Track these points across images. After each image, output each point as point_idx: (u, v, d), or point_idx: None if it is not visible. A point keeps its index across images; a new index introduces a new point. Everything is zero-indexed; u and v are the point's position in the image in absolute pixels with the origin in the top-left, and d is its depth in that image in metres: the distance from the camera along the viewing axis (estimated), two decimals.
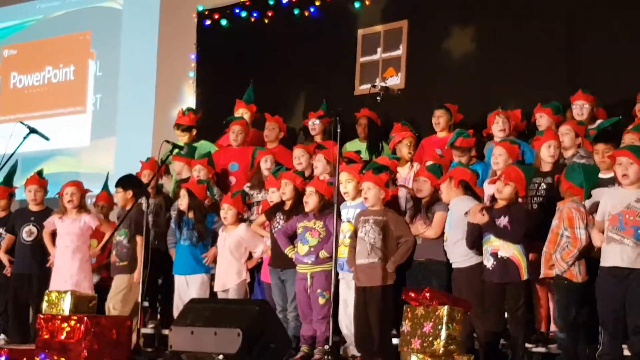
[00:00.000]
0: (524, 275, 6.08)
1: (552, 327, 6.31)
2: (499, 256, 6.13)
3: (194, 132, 9.26)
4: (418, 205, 6.83)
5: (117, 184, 8.13)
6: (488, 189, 6.72)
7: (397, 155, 7.71)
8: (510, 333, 6.17)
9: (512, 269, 6.09)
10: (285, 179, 7.33)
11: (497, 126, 7.48)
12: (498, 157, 6.81)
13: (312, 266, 6.92)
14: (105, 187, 8.85)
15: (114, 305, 7.73)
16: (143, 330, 7.83)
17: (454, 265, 6.47)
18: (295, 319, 7.10)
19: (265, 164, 8.09)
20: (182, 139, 9.13)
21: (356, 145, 8.55)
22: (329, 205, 6.77)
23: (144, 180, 8.30)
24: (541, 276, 6.07)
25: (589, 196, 6.02)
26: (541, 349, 6.37)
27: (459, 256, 6.40)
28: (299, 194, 7.23)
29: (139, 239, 7.60)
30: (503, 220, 6.16)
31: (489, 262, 6.17)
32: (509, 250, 6.11)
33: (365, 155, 8.18)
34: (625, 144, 6.43)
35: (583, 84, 7.60)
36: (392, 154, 7.83)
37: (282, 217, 7.30)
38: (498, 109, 7.60)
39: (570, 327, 5.87)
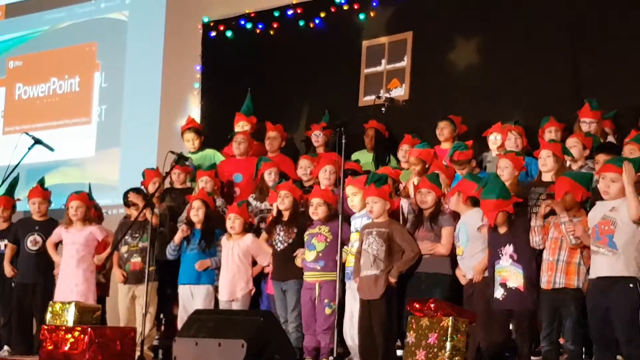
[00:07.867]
0: (532, 306, 6.07)
1: (561, 340, 6.25)
2: (508, 287, 6.12)
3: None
4: (420, 216, 6.81)
5: (136, 193, 8.05)
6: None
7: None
8: (517, 344, 6.16)
9: (520, 299, 6.07)
10: (285, 191, 7.33)
11: (510, 142, 7.48)
12: (504, 169, 6.81)
13: (321, 273, 6.91)
14: (90, 198, 8.64)
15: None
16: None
17: (467, 276, 6.42)
18: (295, 329, 7.08)
19: (270, 176, 8.09)
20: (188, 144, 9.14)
21: (364, 156, 8.56)
22: (337, 215, 6.74)
23: (151, 188, 8.25)
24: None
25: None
26: None
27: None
28: (296, 205, 7.23)
29: None
30: (508, 250, 6.15)
31: (498, 293, 6.15)
32: (517, 280, 6.09)
33: (372, 167, 8.19)
34: (625, 155, 6.42)
35: (587, 95, 7.60)
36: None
37: (282, 229, 7.30)
38: (510, 124, 7.59)
39: (583, 338, 5.89)
